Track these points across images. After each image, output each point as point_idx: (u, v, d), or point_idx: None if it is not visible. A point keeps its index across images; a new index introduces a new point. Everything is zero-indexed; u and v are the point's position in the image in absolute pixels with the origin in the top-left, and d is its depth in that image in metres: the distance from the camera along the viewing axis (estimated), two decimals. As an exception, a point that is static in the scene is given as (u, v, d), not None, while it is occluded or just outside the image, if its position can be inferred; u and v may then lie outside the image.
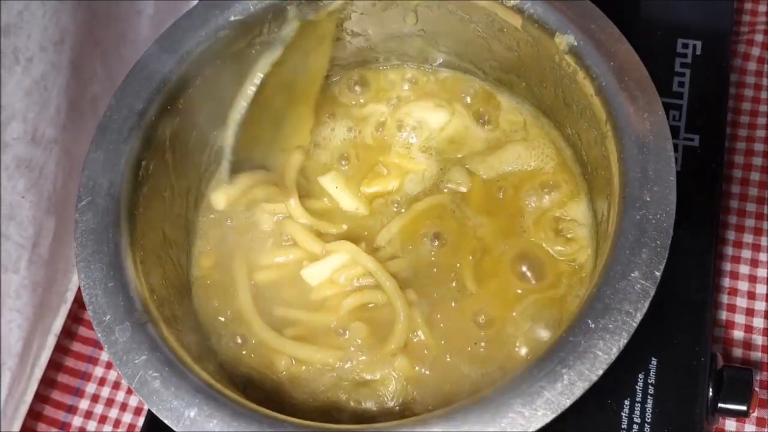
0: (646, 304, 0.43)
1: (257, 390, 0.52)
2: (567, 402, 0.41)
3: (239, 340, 0.54)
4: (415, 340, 0.52)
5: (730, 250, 0.65)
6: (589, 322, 0.42)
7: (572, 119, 0.54)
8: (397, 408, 0.51)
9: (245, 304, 0.54)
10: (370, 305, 0.53)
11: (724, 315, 0.63)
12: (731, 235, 0.66)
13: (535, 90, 0.58)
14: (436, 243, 0.55)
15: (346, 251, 0.54)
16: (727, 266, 0.64)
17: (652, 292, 0.43)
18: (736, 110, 0.71)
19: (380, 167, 0.59)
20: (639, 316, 0.42)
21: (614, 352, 0.42)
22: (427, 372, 0.52)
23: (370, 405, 0.51)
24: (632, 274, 0.43)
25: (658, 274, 0.43)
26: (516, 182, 0.57)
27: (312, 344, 0.52)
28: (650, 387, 0.55)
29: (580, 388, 0.41)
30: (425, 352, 0.52)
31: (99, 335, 0.45)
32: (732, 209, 0.67)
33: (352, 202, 0.57)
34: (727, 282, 0.64)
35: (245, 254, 0.56)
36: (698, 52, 0.67)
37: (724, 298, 0.63)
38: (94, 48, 0.63)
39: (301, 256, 0.55)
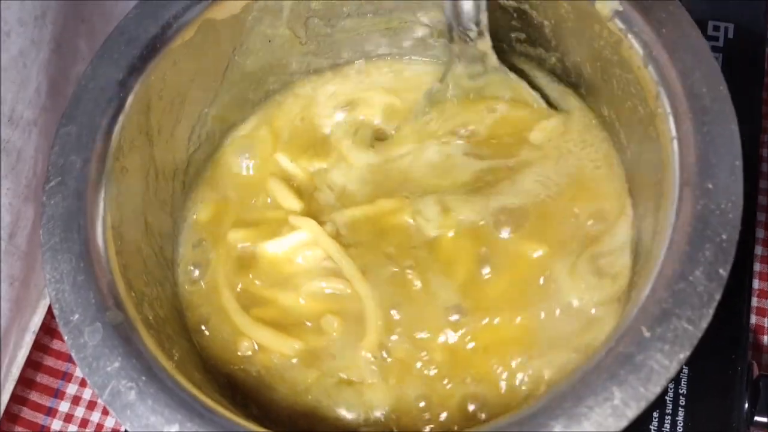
0: (711, 310, 0.37)
1: (242, 394, 0.49)
2: (619, 425, 0.36)
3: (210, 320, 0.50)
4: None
5: (759, 250, 0.62)
6: (644, 330, 0.37)
7: (611, 97, 0.50)
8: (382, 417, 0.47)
9: (221, 277, 0.51)
10: (337, 294, 0.50)
11: (753, 319, 0.60)
12: (760, 233, 0.62)
13: (567, 66, 0.53)
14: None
15: (308, 229, 0.51)
16: (756, 266, 0.61)
17: (718, 296, 0.38)
18: (771, 99, 0.66)
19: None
20: (704, 325, 0.37)
21: (674, 367, 0.37)
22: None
23: (350, 416, 0.47)
24: (694, 275, 0.38)
25: (724, 274, 0.38)
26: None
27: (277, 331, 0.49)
28: (681, 398, 0.52)
29: (633, 409, 0.36)
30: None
31: (65, 337, 0.41)
32: (761, 206, 0.64)
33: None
34: (756, 284, 0.61)
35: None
36: (731, 36, 0.63)
37: (754, 301, 0.60)
38: (78, 24, 0.61)
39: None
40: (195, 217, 0.54)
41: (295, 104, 0.58)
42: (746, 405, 0.51)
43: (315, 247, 0.51)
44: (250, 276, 0.52)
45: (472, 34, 0.51)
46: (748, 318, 0.55)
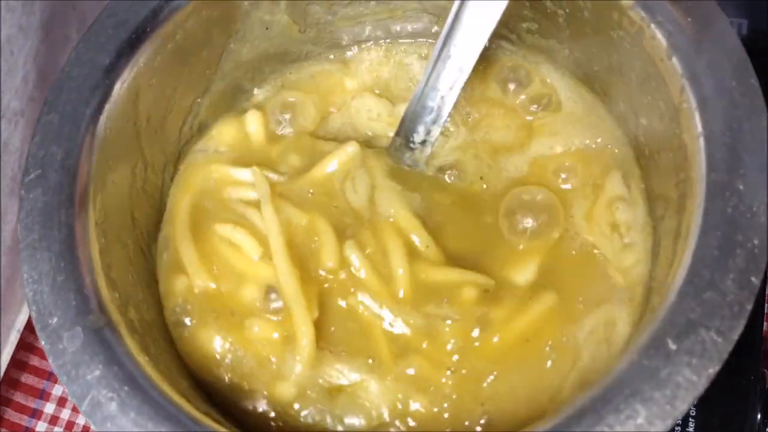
0: (743, 321, 0.35)
1: (231, 404, 0.46)
2: (644, 449, 0.33)
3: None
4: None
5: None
6: (669, 342, 0.35)
7: (628, 91, 0.48)
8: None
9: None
10: None
11: (766, 326, 0.58)
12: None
13: (580, 58, 0.51)
14: None
15: (259, 187, 0.49)
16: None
17: (750, 306, 0.35)
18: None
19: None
20: (734, 337, 0.35)
21: (702, 383, 0.34)
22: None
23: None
24: (724, 283, 0.36)
25: (756, 282, 0.36)
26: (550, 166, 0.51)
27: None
28: (692, 408, 0.51)
29: (659, 428, 0.34)
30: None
31: (43, 343, 0.39)
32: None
33: None
34: (767, 289, 0.60)
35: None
36: (744, 32, 0.62)
37: (767, 308, 0.58)
38: (69, 11, 0.60)
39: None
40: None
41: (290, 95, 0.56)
42: (759, 415, 0.50)
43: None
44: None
45: (417, 143, 0.51)
46: (761, 326, 0.54)
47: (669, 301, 0.36)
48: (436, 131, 0.51)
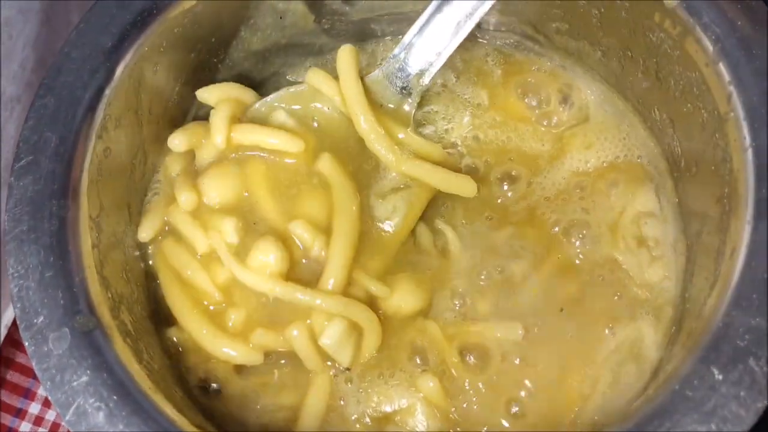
0: None
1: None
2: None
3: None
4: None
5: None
6: (715, 372, 0.33)
7: (665, 99, 0.46)
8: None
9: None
10: None
11: None
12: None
13: (613, 62, 0.50)
14: None
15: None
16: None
17: None
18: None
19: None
20: None
21: (750, 419, 0.33)
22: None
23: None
24: None
25: None
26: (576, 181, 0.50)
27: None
28: None
29: None
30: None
31: (26, 344, 0.38)
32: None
33: None
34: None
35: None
36: None
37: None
38: None
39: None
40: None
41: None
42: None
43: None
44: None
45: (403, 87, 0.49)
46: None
47: (713, 325, 0.35)
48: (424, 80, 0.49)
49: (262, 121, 0.47)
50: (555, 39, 0.52)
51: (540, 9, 0.51)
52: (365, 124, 0.46)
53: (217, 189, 0.45)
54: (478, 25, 0.50)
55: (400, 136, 0.47)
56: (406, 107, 0.49)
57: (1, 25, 0.52)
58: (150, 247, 0.48)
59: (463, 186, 0.47)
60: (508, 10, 0.52)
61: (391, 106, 0.49)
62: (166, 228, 0.46)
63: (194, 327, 0.44)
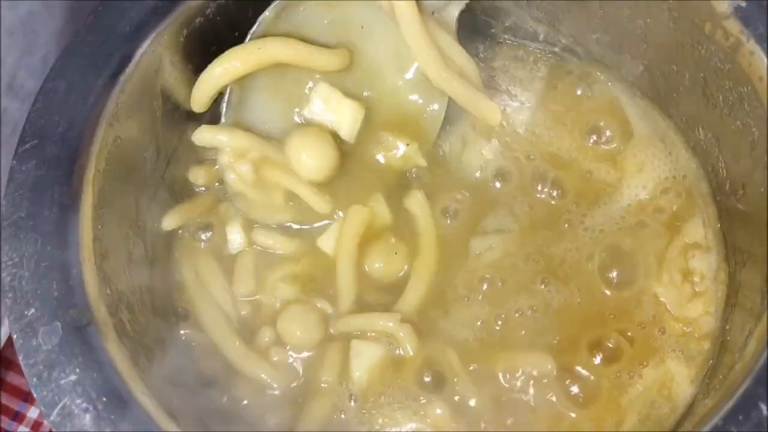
0: None
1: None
2: None
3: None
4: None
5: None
6: (764, 408, 0.31)
7: (712, 116, 0.45)
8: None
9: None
10: None
11: None
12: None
13: (656, 76, 0.48)
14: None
15: None
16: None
17: None
18: None
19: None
20: None
21: None
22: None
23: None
24: None
25: None
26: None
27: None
28: None
29: None
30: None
31: (14, 336, 0.37)
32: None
33: None
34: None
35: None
36: None
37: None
38: None
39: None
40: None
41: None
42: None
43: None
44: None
45: None
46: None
47: (761, 358, 0.32)
48: None
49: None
50: (594, 50, 0.51)
51: (579, 19, 0.49)
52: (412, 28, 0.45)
53: None
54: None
55: (441, 40, 0.46)
56: (453, 10, 0.47)
57: (24, 17, 0.51)
58: (158, 247, 0.47)
59: (488, 112, 0.47)
60: (545, 19, 0.51)
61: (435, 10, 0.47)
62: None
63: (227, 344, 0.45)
